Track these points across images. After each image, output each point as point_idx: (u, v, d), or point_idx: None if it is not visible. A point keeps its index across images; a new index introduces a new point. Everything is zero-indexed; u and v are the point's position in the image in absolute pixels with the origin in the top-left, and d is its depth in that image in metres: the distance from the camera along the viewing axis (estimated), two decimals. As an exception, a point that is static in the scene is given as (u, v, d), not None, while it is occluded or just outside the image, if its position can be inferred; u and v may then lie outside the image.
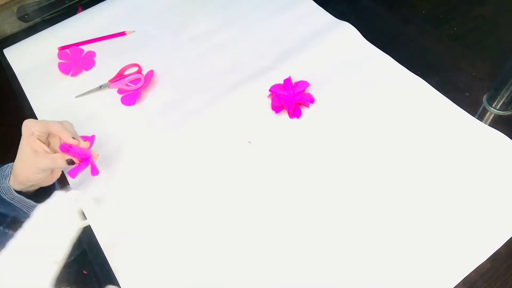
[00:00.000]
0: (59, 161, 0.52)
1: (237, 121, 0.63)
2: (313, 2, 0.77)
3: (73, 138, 0.52)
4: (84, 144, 0.53)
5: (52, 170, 0.55)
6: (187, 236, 0.53)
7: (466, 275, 0.47)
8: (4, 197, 0.54)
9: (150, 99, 0.68)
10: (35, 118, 0.67)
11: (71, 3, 0.84)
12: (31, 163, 0.51)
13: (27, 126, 0.52)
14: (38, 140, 0.52)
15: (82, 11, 0.82)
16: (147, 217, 0.55)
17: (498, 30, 0.71)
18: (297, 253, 0.50)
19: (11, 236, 0.47)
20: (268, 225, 0.53)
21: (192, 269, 0.50)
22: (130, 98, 0.67)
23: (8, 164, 0.57)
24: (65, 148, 0.52)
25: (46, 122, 0.52)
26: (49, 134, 0.54)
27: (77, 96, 0.69)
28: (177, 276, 0.50)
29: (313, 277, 0.49)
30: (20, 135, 0.51)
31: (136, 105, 0.67)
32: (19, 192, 0.55)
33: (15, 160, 0.53)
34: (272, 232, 0.52)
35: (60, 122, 0.53)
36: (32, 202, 0.55)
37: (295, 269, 0.49)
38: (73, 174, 0.55)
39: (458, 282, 0.47)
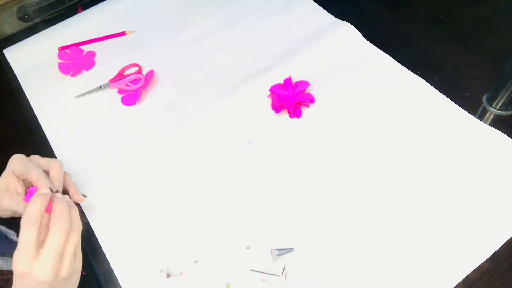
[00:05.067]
0: (21, 209, 0.46)
1: (237, 121, 0.63)
2: (313, 2, 0.77)
3: (49, 188, 0.46)
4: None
5: (15, 212, 0.49)
6: (187, 237, 0.53)
7: (466, 275, 0.47)
8: None
9: (150, 99, 0.68)
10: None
11: (71, 3, 0.83)
12: None
13: (11, 162, 0.48)
14: (16, 179, 0.48)
15: (82, 11, 0.82)
16: (148, 217, 0.55)
17: (498, 30, 0.71)
18: (297, 253, 0.50)
19: None
20: (268, 225, 0.53)
21: (193, 270, 0.50)
22: (130, 98, 0.67)
23: None
24: (27, 197, 0.48)
25: (28, 167, 0.47)
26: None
27: (77, 96, 0.69)
28: (178, 276, 0.50)
29: (313, 277, 0.49)
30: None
31: (136, 105, 0.67)
32: None
33: None
34: (273, 232, 0.52)
35: (41, 169, 0.47)
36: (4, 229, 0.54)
37: (295, 269, 0.49)
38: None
39: (458, 282, 0.47)
